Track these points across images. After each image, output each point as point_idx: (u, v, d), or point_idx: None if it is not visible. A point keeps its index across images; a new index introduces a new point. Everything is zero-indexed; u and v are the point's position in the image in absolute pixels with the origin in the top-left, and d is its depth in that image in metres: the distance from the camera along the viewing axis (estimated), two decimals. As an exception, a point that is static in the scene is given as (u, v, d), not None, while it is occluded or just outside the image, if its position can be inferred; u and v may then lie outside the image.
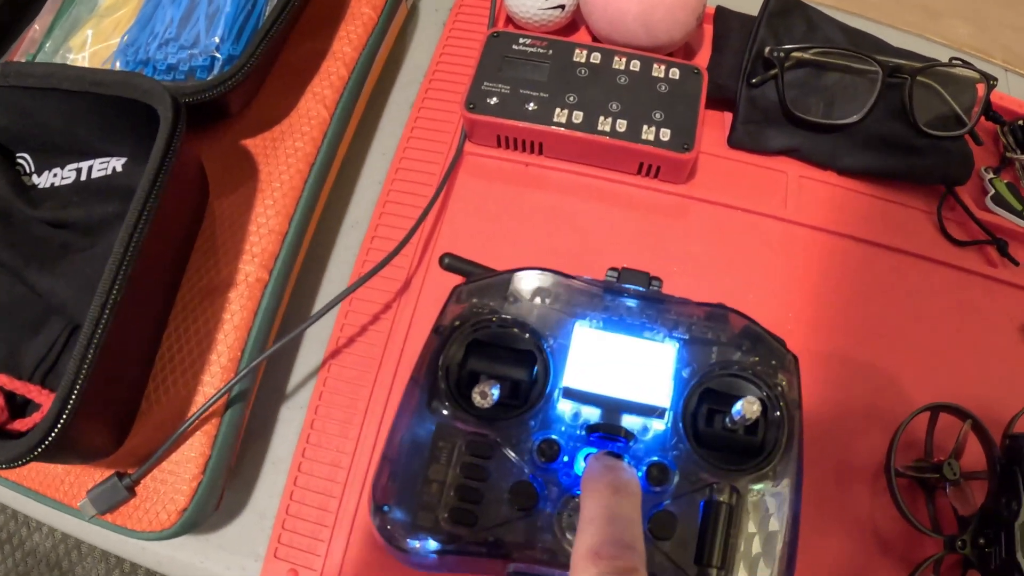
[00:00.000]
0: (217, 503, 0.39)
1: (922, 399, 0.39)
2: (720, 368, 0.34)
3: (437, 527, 0.31)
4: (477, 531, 0.31)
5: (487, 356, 0.34)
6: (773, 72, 0.44)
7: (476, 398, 0.32)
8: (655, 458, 0.32)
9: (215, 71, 0.41)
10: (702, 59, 0.48)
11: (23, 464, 0.32)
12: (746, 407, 0.32)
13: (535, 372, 0.34)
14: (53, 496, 0.39)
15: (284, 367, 0.42)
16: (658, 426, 0.33)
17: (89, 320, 0.32)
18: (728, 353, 0.34)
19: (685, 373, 0.34)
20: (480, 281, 0.36)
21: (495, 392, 0.32)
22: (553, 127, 0.42)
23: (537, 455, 0.32)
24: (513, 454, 0.32)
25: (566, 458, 0.32)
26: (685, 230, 0.43)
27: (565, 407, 0.33)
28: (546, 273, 0.35)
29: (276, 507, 0.39)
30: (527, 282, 0.35)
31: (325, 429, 0.40)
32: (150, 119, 0.37)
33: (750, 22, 0.46)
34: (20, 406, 0.39)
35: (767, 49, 0.44)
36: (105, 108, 0.39)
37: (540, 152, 0.44)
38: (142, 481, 0.38)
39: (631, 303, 0.35)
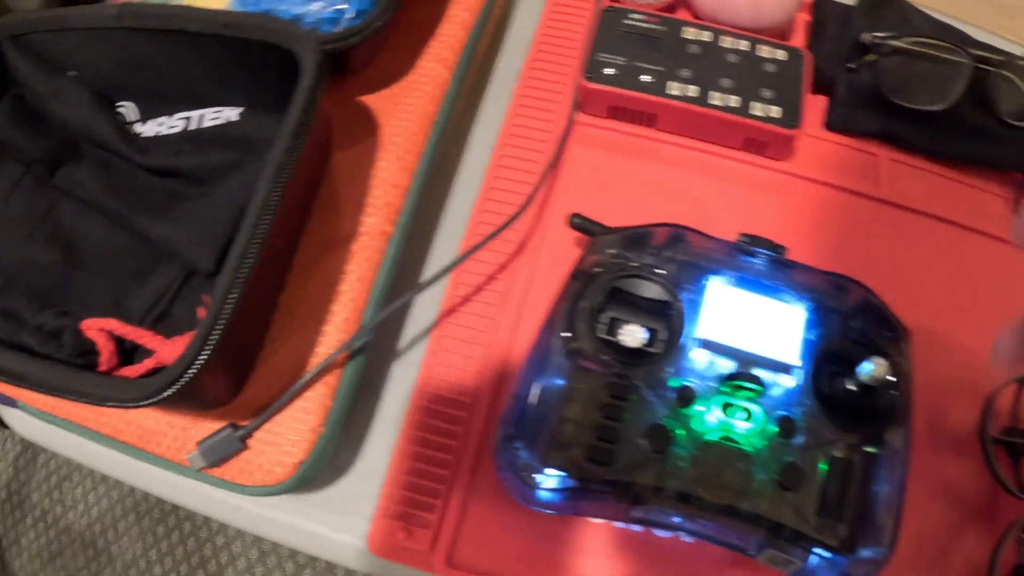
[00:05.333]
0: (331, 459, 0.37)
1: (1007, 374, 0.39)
2: (843, 334, 0.34)
3: (572, 464, 0.31)
4: (613, 470, 0.31)
5: (626, 303, 0.34)
6: (871, 58, 0.44)
7: (625, 338, 0.31)
8: (784, 412, 0.32)
9: (340, 25, 0.39)
10: (793, 44, 0.48)
11: (146, 405, 0.30)
12: (876, 368, 0.31)
13: (670, 321, 0.33)
14: (154, 451, 0.37)
15: (394, 325, 0.40)
16: (787, 382, 0.33)
17: (233, 259, 0.30)
18: (850, 321, 0.34)
19: (812, 335, 0.34)
20: (619, 233, 0.35)
21: (643, 334, 0.31)
22: (669, 99, 0.41)
23: (676, 399, 0.31)
24: (652, 397, 0.31)
25: (701, 405, 0.32)
26: (786, 204, 0.43)
27: (699, 357, 0.33)
28: (683, 229, 0.35)
29: (386, 465, 0.38)
30: (664, 236, 0.35)
31: (439, 388, 0.38)
32: (276, 66, 0.36)
33: (846, 10, 0.46)
34: (126, 353, 0.36)
35: (865, 36, 0.44)
36: (227, 54, 0.37)
37: (651, 124, 0.43)
38: (255, 434, 0.36)
39: (761, 266, 0.35)
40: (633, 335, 0.31)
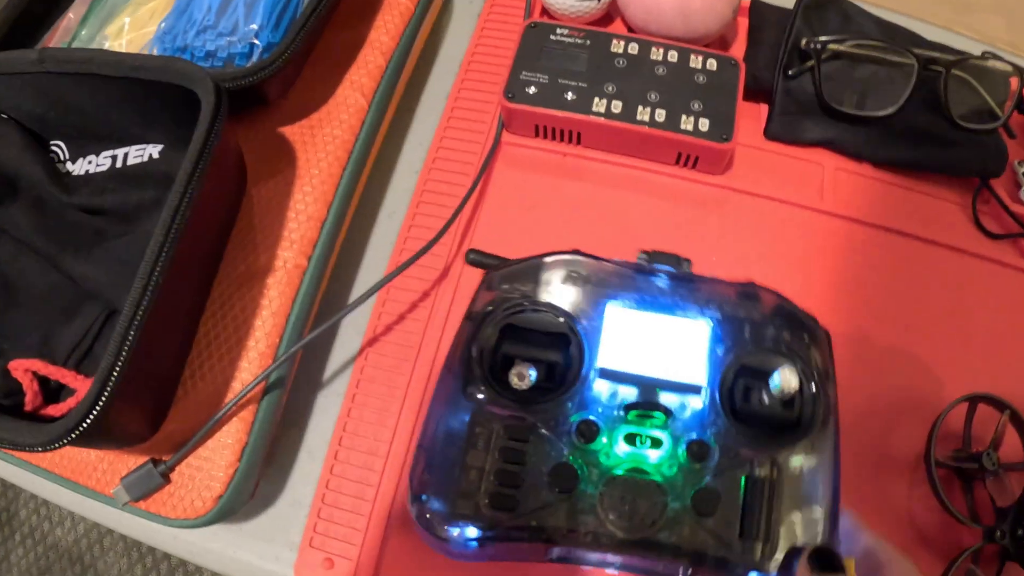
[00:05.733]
0: (252, 491, 0.37)
1: (959, 391, 0.38)
2: (754, 344, 0.33)
3: (477, 513, 0.30)
4: (518, 515, 0.30)
5: (521, 340, 0.33)
6: (810, 64, 0.43)
7: (513, 380, 0.31)
8: (694, 435, 0.31)
9: (254, 58, 0.39)
10: (736, 52, 0.47)
11: (58, 447, 0.31)
12: (784, 377, 0.31)
13: (569, 354, 0.33)
14: (86, 484, 0.38)
15: (320, 356, 0.41)
16: (695, 403, 0.32)
17: (129, 303, 0.31)
18: (761, 330, 0.34)
19: (719, 350, 0.33)
20: (511, 267, 0.34)
21: (532, 373, 0.31)
22: (592, 116, 0.41)
23: (576, 436, 0.31)
24: (552, 436, 0.31)
25: (605, 439, 0.31)
26: (723, 220, 0.42)
27: (601, 387, 0.32)
28: (575, 256, 0.34)
29: (311, 496, 0.38)
30: (557, 266, 0.34)
31: (362, 417, 0.38)
32: (188, 105, 0.36)
33: (785, 15, 0.45)
34: (53, 391, 0.37)
35: (803, 41, 0.43)
36: (143, 94, 0.38)
37: (578, 142, 0.43)
38: (177, 468, 0.36)
39: (662, 283, 0.34)
40: (521, 377, 0.31)
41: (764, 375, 0.32)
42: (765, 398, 0.32)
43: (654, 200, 0.42)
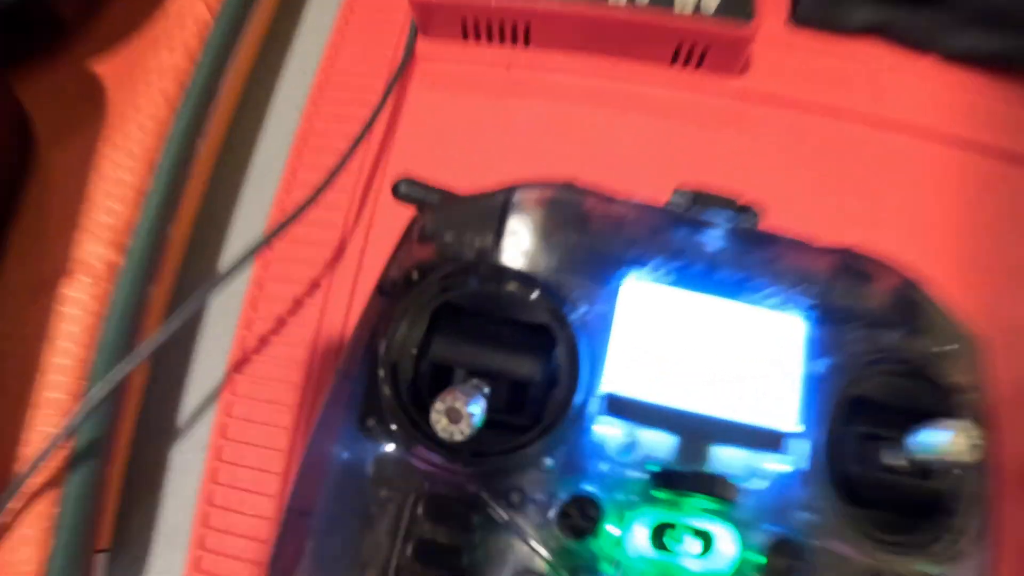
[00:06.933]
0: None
1: None
2: (873, 361, 0.20)
3: None
4: None
5: (466, 335, 0.19)
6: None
7: (439, 420, 0.17)
8: (777, 529, 0.18)
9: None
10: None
11: None
12: (956, 438, 0.17)
13: (552, 365, 0.19)
14: None
15: (172, 392, 0.28)
16: (780, 467, 0.19)
17: None
18: (879, 335, 0.20)
19: (820, 371, 0.20)
20: (459, 205, 0.21)
21: (477, 409, 0.17)
22: (545, -1, 0.28)
23: (560, 525, 0.18)
24: (514, 522, 0.18)
25: (612, 529, 0.18)
26: (742, 142, 0.31)
27: (609, 432, 0.19)
28: (569, 191, 0.21)
29: (177, 595, 0.26)
30: (537, 205, 0.20)
31: (235, 481, 0.27)
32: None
33: None
34: None
35: None
36: None
37: (527, 42, 0.31)
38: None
39: (714, 245, 0.21)
40: (455, 416, 0.17)
41: (888, 415, 0.20)
42: (892, 461, 0.19)
43: (641, 118, 0.30)
